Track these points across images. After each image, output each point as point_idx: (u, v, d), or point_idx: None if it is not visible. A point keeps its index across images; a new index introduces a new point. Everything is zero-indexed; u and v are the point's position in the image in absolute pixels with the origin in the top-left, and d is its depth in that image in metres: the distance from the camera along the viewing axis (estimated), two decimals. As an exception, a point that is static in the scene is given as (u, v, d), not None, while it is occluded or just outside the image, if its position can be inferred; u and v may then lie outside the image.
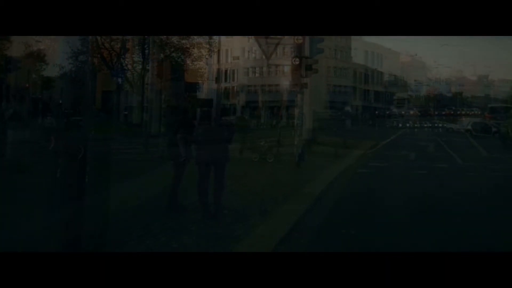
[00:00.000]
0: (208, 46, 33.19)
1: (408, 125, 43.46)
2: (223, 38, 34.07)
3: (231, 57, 53.69)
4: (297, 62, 13.72)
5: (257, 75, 56.25)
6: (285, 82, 30.14)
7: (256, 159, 13.52)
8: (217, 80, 42.71)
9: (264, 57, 17.80)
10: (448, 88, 65.30)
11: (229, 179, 7.64)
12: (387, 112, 51.72)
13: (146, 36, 24.04)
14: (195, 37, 29.19)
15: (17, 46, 26.64)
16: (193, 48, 32.12)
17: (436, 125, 42.16)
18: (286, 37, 16.68)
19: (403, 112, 53.21)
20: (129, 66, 30.79)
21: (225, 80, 57.50)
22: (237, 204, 7.32)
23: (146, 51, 27.79)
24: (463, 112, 52.64)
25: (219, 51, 37.76)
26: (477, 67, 64.60)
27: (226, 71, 56.20)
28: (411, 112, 52.60)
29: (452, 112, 56.61)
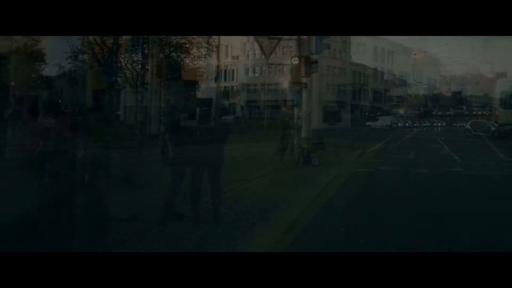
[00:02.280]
0: (207, 44, 33.49)
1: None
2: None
3: (230, 56, 53.81)
4: (297, 62, 14.10)
5: (257, 74, 56.22)
6: (286, 81, 30.00)
7: (301, 162, 13.54)
8: (216, 79, 42.45)
9: (263, 56, 18.18)
10: (448, 87, 64.80)
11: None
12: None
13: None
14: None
15: (2, 42, 26.76)
16: (192, 46, 32.39)
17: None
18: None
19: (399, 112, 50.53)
20: (123, 63, 30.81)
21: (225, 79, 57.36)
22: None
23: (142, 48, 27.89)
24: (480, 113, 52.08)
25: (218, 47, 38.05)
26: (495, 64, 64.32)
27: (225, 70, 56.17)
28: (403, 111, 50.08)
29: (466, 112, 55.96)
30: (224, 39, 40.73)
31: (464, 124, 32.76)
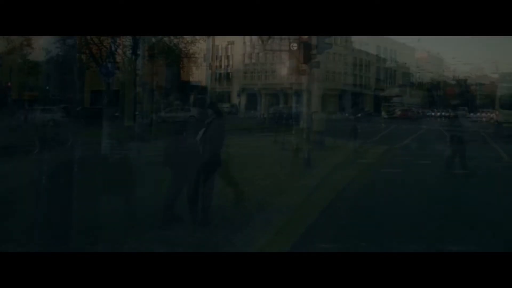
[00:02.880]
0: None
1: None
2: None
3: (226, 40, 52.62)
4: (295, 48, 13.64)
5: (253, 60, 54.70)
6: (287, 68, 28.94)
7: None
8: (211, 66, 41.12)
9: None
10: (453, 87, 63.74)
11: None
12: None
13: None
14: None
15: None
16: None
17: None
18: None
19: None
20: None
21: (220, 66, 55.95)
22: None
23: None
24: (483, 114, 51.49)
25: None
26: (500, 64, 64.06)
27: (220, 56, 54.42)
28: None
29: (467, 114, 54.77)
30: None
31: None
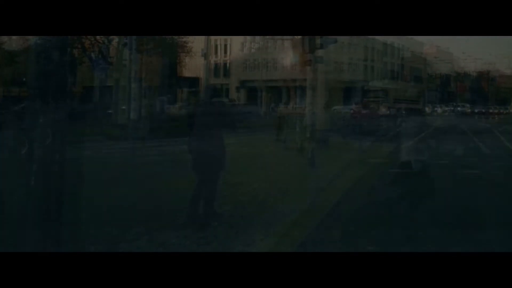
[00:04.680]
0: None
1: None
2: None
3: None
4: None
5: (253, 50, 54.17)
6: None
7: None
8: (206, 55, 40.86)
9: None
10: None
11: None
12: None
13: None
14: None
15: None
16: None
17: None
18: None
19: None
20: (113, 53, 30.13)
21: (216, 55, 55.06)
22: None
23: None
24: (496, 111, 50.50)
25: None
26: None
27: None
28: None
29: (468, 110, 51.93)
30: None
31: None
